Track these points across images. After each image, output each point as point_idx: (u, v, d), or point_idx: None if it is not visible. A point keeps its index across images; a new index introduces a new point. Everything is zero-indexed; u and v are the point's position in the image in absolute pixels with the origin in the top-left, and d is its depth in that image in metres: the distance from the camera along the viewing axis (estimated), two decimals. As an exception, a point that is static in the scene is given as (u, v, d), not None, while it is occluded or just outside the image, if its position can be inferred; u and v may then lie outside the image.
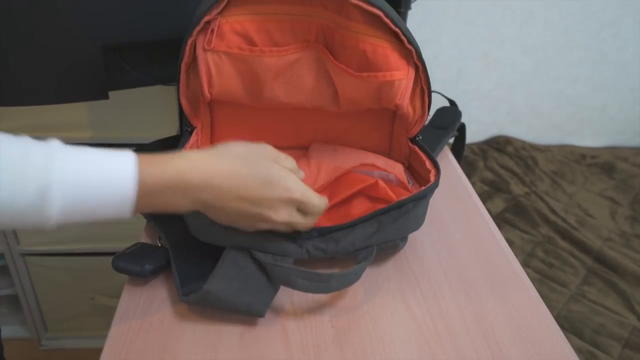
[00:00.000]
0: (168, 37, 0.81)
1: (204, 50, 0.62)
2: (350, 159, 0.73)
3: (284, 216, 0.52)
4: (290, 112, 0.73)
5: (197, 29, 0.61)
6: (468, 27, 1.40)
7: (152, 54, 0.90)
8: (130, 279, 0.60)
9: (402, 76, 0.63)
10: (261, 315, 0.55)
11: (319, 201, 0.55)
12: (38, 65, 0.85)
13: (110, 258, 0.60)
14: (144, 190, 0.42)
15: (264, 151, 0.53)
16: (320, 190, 0.72)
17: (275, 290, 0.57)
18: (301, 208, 0.54)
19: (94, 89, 0.89)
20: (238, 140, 0.52)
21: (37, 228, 0.39)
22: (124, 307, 0.57)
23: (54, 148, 0.40)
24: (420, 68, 0.64)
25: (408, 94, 0.65)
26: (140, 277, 0.60)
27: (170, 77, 0.81)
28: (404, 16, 1.03)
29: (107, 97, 0.89)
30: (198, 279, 0.56)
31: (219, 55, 0.63)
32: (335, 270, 0.56)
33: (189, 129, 0.68)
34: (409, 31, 0.63)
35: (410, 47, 0.62)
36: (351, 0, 0.59)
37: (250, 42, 0.63)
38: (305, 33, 0.64)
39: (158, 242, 0.64)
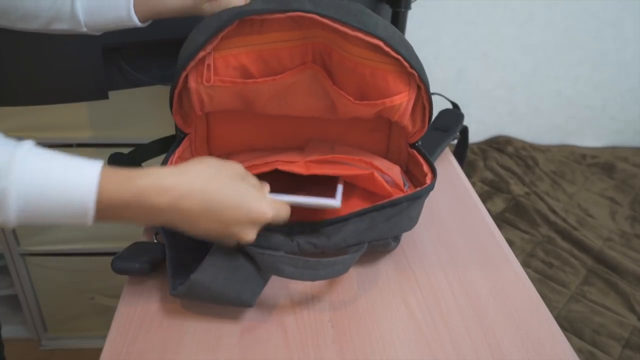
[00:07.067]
0: (167, 37, 0.81)
1: (197, 83, 0.60)
2: (348, 154, 0.73)
3: (252, 236, 0.52)
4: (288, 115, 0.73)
5: (192, 64, 0.59)
6: (468, 27, 1.39)
7: (151, 54, 0.91)
8: (130, 279, 0.60)
9: (403, 99, 0.62)
10: (250, 305, 0.55)
11: (285, 213, 0.54)
12: (38, 65, 0.86)
13: (110, 258, 0.60)
14: (102, 206, 0.43)
15: (233, 169, 0.52)
16: (310, 163, 0.69)
17: (265, 280, 0.57)
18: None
19: (94, 89, 0.89)
20: (209, 157, 0.52)
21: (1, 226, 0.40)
22: (124, 307, 0.57)
23: (21, 153, 0.40)
24: (423, 89, 0.62)
25: (408, 113, 0.64)
26: (139, 274, 0.60)
27: (170, 77, 0.81)
28: (403, 16, 1.03)
29: (107, 97, 0.90)
30: (190, 273, 0.56)
31: (212, 87, 0.61)
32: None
33: (182, 135, 0.68)
34: (412, 53, 0.61)
35: (412, 70, 0.60)
36: (349, 32, 0.57)
37: (246, 74, 0.61)
38: (302, 55, 0.62)
39: (154, 238, 0.64)
